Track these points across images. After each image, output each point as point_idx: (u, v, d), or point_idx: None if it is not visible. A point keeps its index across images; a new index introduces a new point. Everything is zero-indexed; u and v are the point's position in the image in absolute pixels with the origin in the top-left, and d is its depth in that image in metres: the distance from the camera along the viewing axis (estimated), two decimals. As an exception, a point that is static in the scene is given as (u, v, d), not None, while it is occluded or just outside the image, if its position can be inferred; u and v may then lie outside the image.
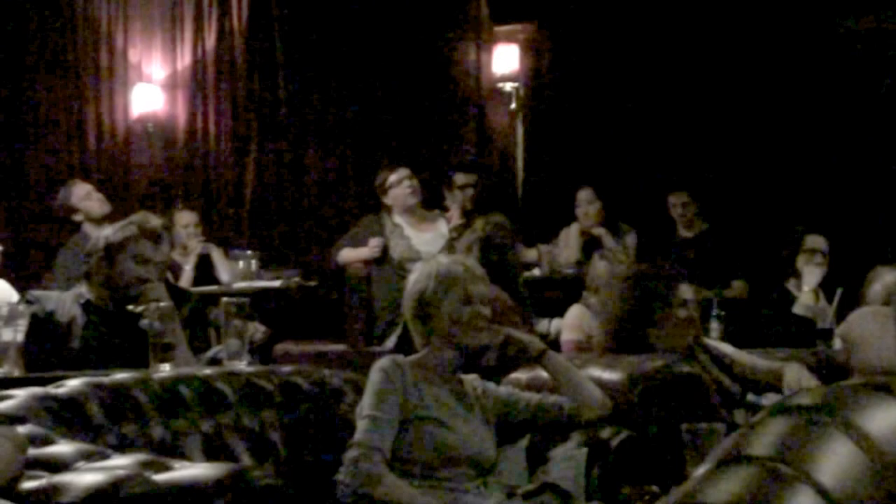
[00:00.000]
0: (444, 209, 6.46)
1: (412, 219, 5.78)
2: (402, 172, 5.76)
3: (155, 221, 3.49)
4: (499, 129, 7.56)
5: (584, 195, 6.46)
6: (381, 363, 2.64)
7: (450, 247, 5.49)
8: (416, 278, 2.77)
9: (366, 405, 2.58)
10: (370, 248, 5.65)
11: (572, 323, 4.70)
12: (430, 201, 6.11)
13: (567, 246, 6.39)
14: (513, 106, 7.43)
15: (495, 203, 6.33)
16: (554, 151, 7.32)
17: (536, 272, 6.06)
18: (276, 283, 5.98)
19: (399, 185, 5.74)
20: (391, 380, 2.59)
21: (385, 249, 5.66)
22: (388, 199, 5.79)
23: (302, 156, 7.35)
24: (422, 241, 5.70)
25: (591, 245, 6.10)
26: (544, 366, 2.80)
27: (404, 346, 5.13)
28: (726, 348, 3.36)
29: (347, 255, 5.80)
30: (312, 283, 6.36)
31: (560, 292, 5.52)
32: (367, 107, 7.29)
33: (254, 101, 7.28)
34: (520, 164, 7.52)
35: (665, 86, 6.98)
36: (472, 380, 2.81)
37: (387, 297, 5.56)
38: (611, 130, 7.11)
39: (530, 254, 6.19)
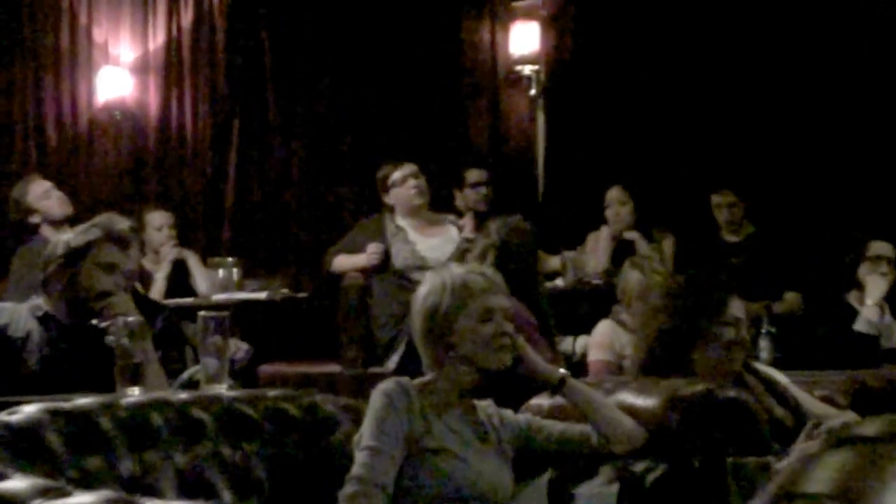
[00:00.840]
0: (454, 210, 6.45)
1: (417, 221, 5.78)
2: (408, 169, 5.77)
3: (122, 224, 3.50)
4: (516, 118, 7.56)
5: (614, 194, 6.47)
6: (385, 386, 2.64)
7: (460, 254, 5.49)
8: (426, 291, 2.76)
9: (366, 435, 2.58)
10: (368, 255, 5.66)
11: (601, 341, 4.70)
12: (438, 201, 6.11)
13: (595, 253, 6.39)
14: (532, 92, 7.43)
15: (512, 203, 6.32)
16: (580, 144, 7.32)
17: (560, 283, 6.06)
18: (262, 295, 6.00)
19: (403, 184, 5.74)
20: (395, 406, 2.59)
21: (386, 256, 5.67)
22: (390, 199, 5.80)
23: (291, 149, 7.36)
24: (428, 246, 5.71)
25: (622, 251, 6.09)
26: (565, 396, 2.79)
27: (408, 366, 5.13)
28: (779, 378, 3.35)
29: (342, 262, 5.80)
30: (302, 295, 6.37)
31: (587, 306, 5.52)
32: (365, 94, 7.30)
33: (236, 87, 7.30)
34: (540, 158, 7.52)
35: (707, 70, 6.97)
36: (486, 406, 2.81)
37: (388, 310, 5.57)
38: (645, 120, 7.11)
39: (553, 262, 6.19)
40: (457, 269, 2.81)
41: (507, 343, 2.72)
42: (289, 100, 7.35)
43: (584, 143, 7.29)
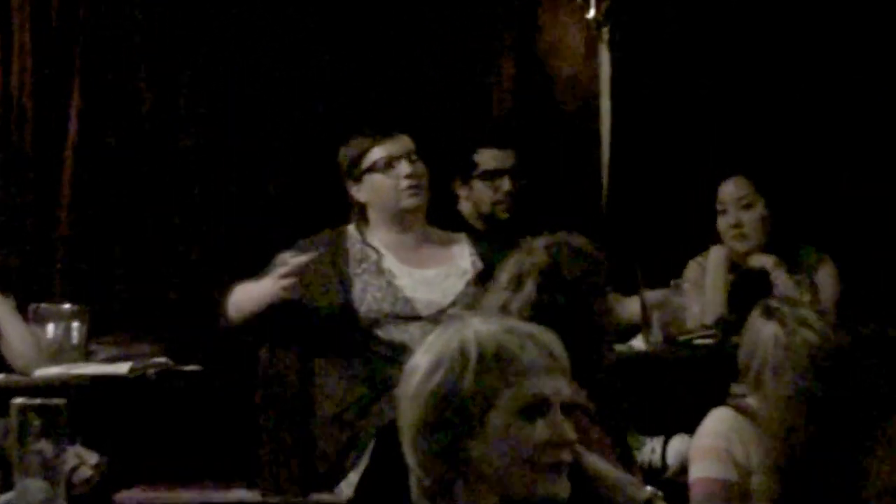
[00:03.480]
0: (457, 216, 6.43)
1: (404, 237, 5.72)
2: (398, 146, 5.65)
3: None
4: (565, 63, 7.59)
5: (732, 191, 6.50)
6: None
7: (474, 295, 5.45)
8: (433, 361, 2.79)
9: None
10: (275, 277, 5.37)
11: (713, 445, 4.73)
12: (433, 203, 6.04)
13: (701, 290, 6.38)
14: (591, 15, 7.45)
15: (556, 206, 6.33)
16: (670, 105, 7.34)
17: (639, 343, 6.06)
18: (122, 369, 5.97)
19: (389, 169, 5.64)
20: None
21: (345, 296, 5.58)
22: (360, 194, 5.70)
23: (174, 123, 7.36)
24: (418, 281, 5.67)
25: (747, 290, 6.10)
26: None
27: (375, 492, 5.12)
28: None
29: (240, 295, 5.55)
30: (192, 369, 6.34)
31: (687, 382, 5.51)
32: (313, 32, 7.32)
33: (78, 26, 7.32)
34: (605, 129, 7.54)
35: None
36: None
37: (343, 394, 5.55)
38: (781, 65, 7.14)
39: (629, 307, 6.19)
40: (484, 326, 2.81)
41: (566, 460, 2.73)
42: (172, 44, 7.36)
43: (676, 102, 7.32)
